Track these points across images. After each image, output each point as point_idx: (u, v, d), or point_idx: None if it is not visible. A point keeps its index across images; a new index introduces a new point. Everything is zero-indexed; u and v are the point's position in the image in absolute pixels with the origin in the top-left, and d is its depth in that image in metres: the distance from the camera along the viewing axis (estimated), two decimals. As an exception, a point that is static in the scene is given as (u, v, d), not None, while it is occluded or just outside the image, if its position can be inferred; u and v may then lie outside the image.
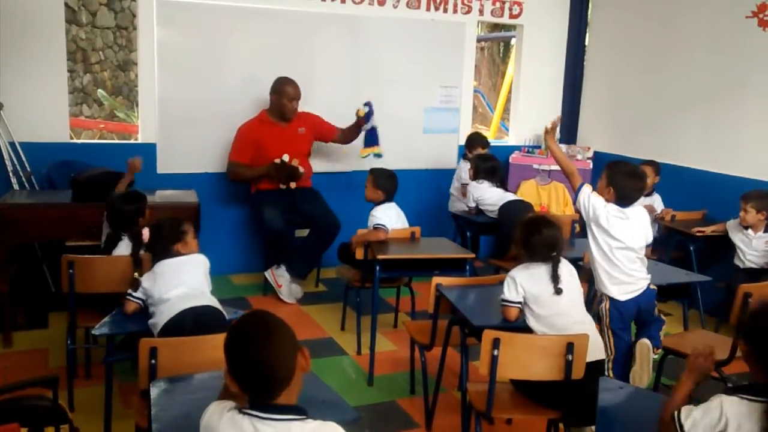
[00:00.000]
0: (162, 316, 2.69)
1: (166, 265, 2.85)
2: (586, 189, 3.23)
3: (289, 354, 1.64)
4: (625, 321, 3.18)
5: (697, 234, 4.65)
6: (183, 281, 2.79)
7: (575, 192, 3.27)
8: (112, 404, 2.94)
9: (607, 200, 3.20)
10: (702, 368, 1.99)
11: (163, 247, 2.90)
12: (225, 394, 1.80)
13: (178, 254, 2.89)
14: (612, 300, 3.17)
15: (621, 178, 3.20)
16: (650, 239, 3.30)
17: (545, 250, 2.76)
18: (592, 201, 3.19)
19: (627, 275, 3.17)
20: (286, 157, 4.77)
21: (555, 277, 2.72)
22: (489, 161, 5.01)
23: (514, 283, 2.76)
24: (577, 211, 3.34)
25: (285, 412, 1.61)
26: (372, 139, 5.12)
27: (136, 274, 2.87)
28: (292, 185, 4.84)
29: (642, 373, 3.13)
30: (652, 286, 3.24)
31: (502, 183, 5.05)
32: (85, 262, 3.25)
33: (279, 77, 4.93)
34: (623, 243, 3.16)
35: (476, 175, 4.94)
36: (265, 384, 1.62)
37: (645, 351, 3.14)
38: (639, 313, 3.22)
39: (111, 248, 3.44)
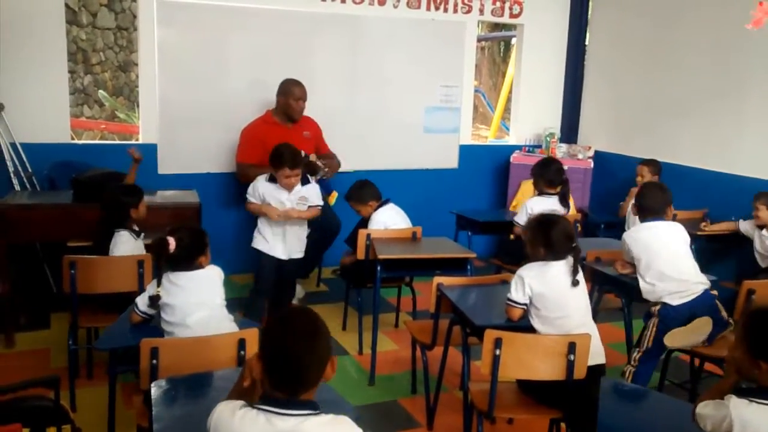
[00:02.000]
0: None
1: (186, 279, 2.62)
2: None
3: (325, 360, 1.68)
4: (674, 324, 3.17)
5: (704, 229, 4.63)
6: (204, 300, 2.62)
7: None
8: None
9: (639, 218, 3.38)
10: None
11: (190, 258, 2.66)
12: (234, 394, 1.80)
13: (200, 267, 2.68)
14: (665, 305, 3.19)
15: (642, 194, 3.43)
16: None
17: (567, 241, 2.74)
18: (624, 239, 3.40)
19: (677, 281, 3.19)
20: (302, 153, 4.74)
21: (575, 269, 2.71)
22: (551, 164, 4.47)
23: (522, 284, 2.73)
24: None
25: (300, 407, 1.63)
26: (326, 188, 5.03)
27: (159, 290, 2.60)
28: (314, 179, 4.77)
29: (679, 335, 3.11)
30: (713, 291, 3.26)
31: (564, 196, 4.41)
32: (86, 263, 3.25)
33: (285, 79, 4.90)
34: (663, 253, 3.22)
35: (538, 186, 4.43)
36: (293, 382, 1.64)
37: (702, 323, 3.12)
38: (695, 317, 3.20)
39: (104, 242, 3.39)
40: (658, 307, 3.20)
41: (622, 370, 3.31)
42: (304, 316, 1.72)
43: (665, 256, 3.23)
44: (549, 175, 4.38)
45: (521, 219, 4.22)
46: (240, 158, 4.91)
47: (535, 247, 2.78)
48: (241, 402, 1.68)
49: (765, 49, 4.76)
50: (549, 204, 4.22)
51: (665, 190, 3.45)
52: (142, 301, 2.68)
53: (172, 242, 2.59)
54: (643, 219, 3.38)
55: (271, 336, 1.68)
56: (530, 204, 4.27)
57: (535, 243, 2.78)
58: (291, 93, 4.84)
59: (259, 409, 1.62)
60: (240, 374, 1.83)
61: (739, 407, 1.80)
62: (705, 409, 1.86)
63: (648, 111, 5.77)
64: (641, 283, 3.26)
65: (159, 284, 2.60)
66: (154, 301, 2.60)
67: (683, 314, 3.16)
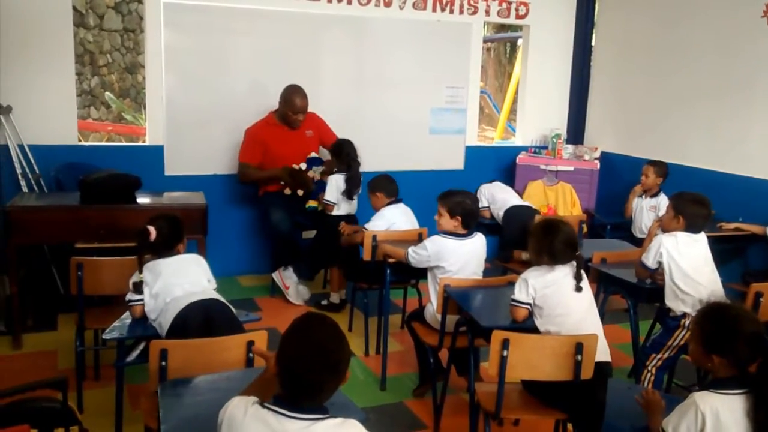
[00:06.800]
0: (167, 315, 2.63)
1: (167, 264, 2.76)
2: (649, 257, 3.29)
3: (341, 380, 1.68)
4: None
5: (722, 228, 4.61)
6: (188, 279, 2.74)
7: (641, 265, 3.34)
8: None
9: (677, 229, 3.29)
10: (656, 403, 2.12)
11: (169, 245, 2.81)
12: (251, 389, 1.82)
13: (179, 253, 2.84)
14: None
15: (688, 206, 3.30)
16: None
17: (569, 249, 2.74)
18: (661, 252, 3.26)
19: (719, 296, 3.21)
20: (303, 166, 4.85)
21: (578, 275, 2.71)
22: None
23: (526, 285, 2.75)
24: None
25: (310, 411, 1.63)
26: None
27: (141, 276, 2.74)
28: (299, 193, 4.89)
29: None
30: None
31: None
32: (93, 264, 3.26)
33: (289, 86, 4.91)
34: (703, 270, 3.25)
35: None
36: (305, 399, 1.64)
37: None
38: None
39: None
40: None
41: (640, 377, 3.31)
42: (326, 341, 1.66)
43: (702, 283, 3.25)
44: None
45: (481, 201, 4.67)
46: (242, 158, 4.96)
47: (539, 255, 2.79)
48: (254, 398, 1.69)
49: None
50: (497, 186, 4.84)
51: (706, 203, 3.38)
52: (129, 292, 2.79)
53: (152, 231, 2.74)
54: (686, 230, 3.32)
55: (288, 359, 1.65)
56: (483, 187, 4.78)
57: (539, 250, 2.79)
58: (291, 105, 4.86)
59: (269, 408, 1.63)
60: (261, 373, 1.88)
61: (704, 399, 1.86)
62: (672, 420, 1.91)
63: (655, 112, 5.75)
64: (679, 293, 3.24)
65: (141, 272, 2.74)
66: (138, 287, 2.73)
67: None
